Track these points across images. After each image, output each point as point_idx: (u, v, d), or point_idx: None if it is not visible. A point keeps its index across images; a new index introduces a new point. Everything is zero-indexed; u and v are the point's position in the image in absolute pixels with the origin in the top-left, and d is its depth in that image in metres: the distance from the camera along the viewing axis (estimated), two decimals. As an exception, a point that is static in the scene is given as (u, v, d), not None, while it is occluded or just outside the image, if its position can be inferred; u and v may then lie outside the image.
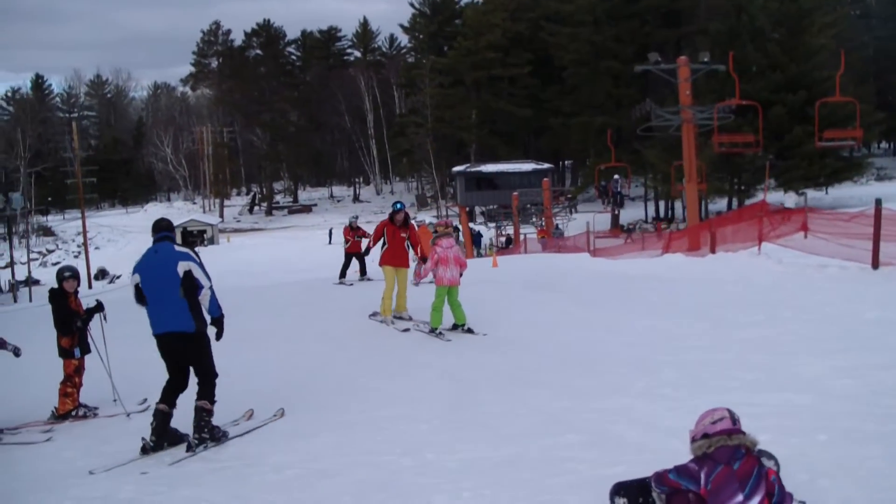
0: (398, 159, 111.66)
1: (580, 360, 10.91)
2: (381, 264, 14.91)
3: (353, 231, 22.74)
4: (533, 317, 14.57)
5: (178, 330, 8.53)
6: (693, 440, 5.54)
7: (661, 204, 77.37)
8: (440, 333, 13.42)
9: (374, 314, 15.13)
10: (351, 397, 10.00)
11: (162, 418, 8.65)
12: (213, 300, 8.65)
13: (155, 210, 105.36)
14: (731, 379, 9.23)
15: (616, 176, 46.09)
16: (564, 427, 8.03)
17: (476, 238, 64.60)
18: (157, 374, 8.94)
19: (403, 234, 14.89)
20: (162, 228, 8.90)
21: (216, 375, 8.76)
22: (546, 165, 74.47)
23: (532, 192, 60.72)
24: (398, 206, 15.14)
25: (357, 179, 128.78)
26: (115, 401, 10.53)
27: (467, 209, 73.63)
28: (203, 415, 8.60)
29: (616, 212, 54.91)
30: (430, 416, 8.88)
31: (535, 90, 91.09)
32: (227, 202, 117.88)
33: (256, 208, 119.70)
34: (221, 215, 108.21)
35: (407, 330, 14.04)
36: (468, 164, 78.84)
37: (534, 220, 61.55)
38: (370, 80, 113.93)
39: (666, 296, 15.79)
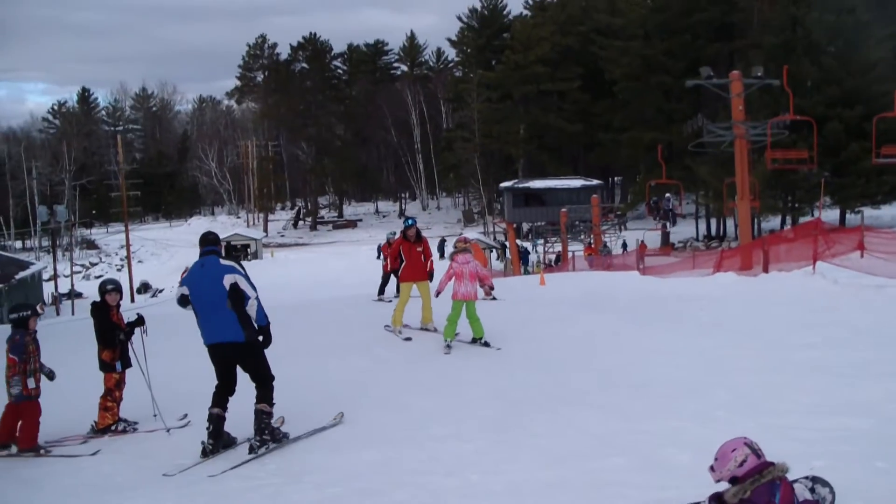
0: (445, 174, 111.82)
1: (629, 381, 10.83)
2: (401, 280, 15.62)
3: (390, 247, 22.87)
4: (581, 336, 14.53)
5: (228, 340, 8.91)
6: (719, 479, 5.46)
7: (713, 222, 76.73)
8: (448, 346, 13.89)
9: (387, 325, 15.82)
10: (394, 414, 10.01)
11: (217, 421, 9.05)
12: (260, 309, 9.02)
13: (199, 224, 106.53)
14: (786, 402, 9.11)
15: (667, 194, 45.84)
16: (613, 449, 7.97)
17: (523, 255, 64.66)
18: (198, 388, 9.07)
19: (419, 249, 15.47)
20: (209, 242, 9.35)
21: (273, 378, 9.16)
22: (595, 182, 74.52)
23: (581, 209, 60.68)
24: (409, 222, 15.73)
25: (403, 194, 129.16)
26: (155, 416, 10.65)
27: (515, 226, 73.66)
28: (263, 417, 9.00)
29: (667, 229, 54.58)
30: (476, 436, 8.87)
31: (584, 105, 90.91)
32: (271, 217, 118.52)
33: (301, 223, 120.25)
34: (265, 230, 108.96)
35: (409, 339, 14.77)
36: (516, 180, 79.05)
37: (582, 237, 61.38)
38: (417, 95, 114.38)
39: (717, 316, 15.65)
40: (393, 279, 22.97)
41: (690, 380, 10.62)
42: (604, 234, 58.23)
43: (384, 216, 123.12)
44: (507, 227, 72.62)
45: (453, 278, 14.03)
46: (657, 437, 8.20)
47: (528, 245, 68.18)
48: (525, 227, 78.60)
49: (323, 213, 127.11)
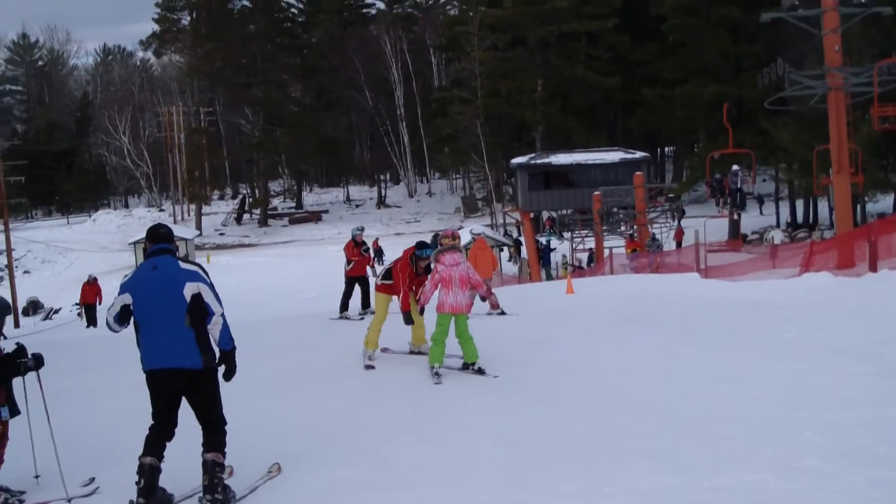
0: (438, 148, 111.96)
1: (687, 420, 10.84)
2: (378, 291, 16.20)
3: (357, 247, 23.81)
4: (622, 361, 14.56)
5: (181, 366, 8.94)
6: None
7: (799, 204, 76.71)
8: (436, 373, 14.12)
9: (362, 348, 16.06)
10: (376, 470, 9.97)
11: (151, 474, 8.97)
12: (225, 330, 9.14)
13: (107, 220, 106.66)
14: (905, 447, 9.11)
15: (735, 167, 45.77)
16: (667, 513, 7.96)
17: (544, 254, 64.74)
18: (105, 440, 8.97)
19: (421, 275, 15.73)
20: (161, 238, 9.36)
21: (225, 422, 9.26)
22: (639, 154, 74.29)
23: (620, 191, 60.61)
24: (426, 252, 15.64)
25: (383, 177, 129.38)
26: (36, 477, 10.34)
27: (532, 215, 73.63)
28: (216, 471, 9.02)
29: (736, 216, 54.55)
30: (486, 498, 8.85)
31: (623, 51, 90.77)
32: (206, 209, 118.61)
33: (246, 216, 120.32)
34: (199, 227, 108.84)
35: (371, 367, 15.25)
36: (532, 155, 78.85)
37: (622, 228, 61.35)
38: (398, 42, 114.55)
39: (807, 331, 15.66)
40: (364, 290, 23.76)
41: (771, 417, 10.62)
42: (651, 225, 58.20)
43: (358, 205, 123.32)
44: (521, 218, 72.70)
45: (439, 286, 14.20)
46: (726, 496, 8.19)
47: (549, 240, 68.28)
48: (545, 216, 78.66)
49: (276, 202, 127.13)
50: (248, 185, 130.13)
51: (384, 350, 15.97)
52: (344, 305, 23.20)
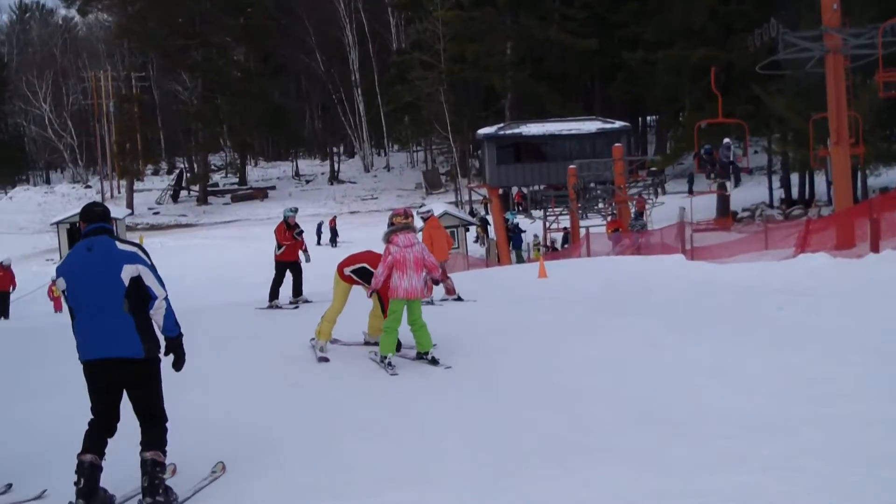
0: (397, 118, 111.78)
1: (673, 417, 10.88)
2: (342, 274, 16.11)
3: (289, 230, 24.23)
4: (600, 351, 14.64)
5: (120, 355, 8.95)
6: None
7: (794, 179, 77.04)
8: (389, 364, 14.32)
9: (312, 339, 16.21)
10: (330, 474, 9.93)
11: (91, 473, 8.90)
12: (170, 315, 9.20)
13: (26, 197, 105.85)
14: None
15: (727, 140, 45.92)
16: (652, 518, 7.99)
17: (515, 235, 64.87)
18: (22, 444, 8.92)
19: None
20: (97, 217, 9.36)
21: (167, 418, 9.32)
22: (619, 124, 74.23)
23: (598, 165, 60.68)
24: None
25: (336, 149, 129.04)
26: None
27: (500, 191, 73.60)
28: (157, 471, 9.00)
29: (726, 191, 54.72)
30: (449, 504, 8.85)
31: (601, 10, 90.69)
32: (138, 185, 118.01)
33: (183, 194, 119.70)
34: (130, 205, 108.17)
35: (325, 360, 15.31)
36: (501, 125, 78.67)
37: (600, 205, 61.50)
38: (353, 0, 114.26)
39: (803, 318, 15.73)
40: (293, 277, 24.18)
41: (765, 413, 10.66)
42: (632, 202, 58.33)
43: (308, 181, 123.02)
44: (489, 194, 72.62)
45: (392, 269, 14.35)
46: (717, 500, 8.20)
47: (516, 219, 68.34)
48: (515, 192, 78.65)
49: (217, 178, 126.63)
50: (186, 158, 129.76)
51: (334, 341, 16.10)
52: (273, 293, 23.50)
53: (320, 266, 25.02)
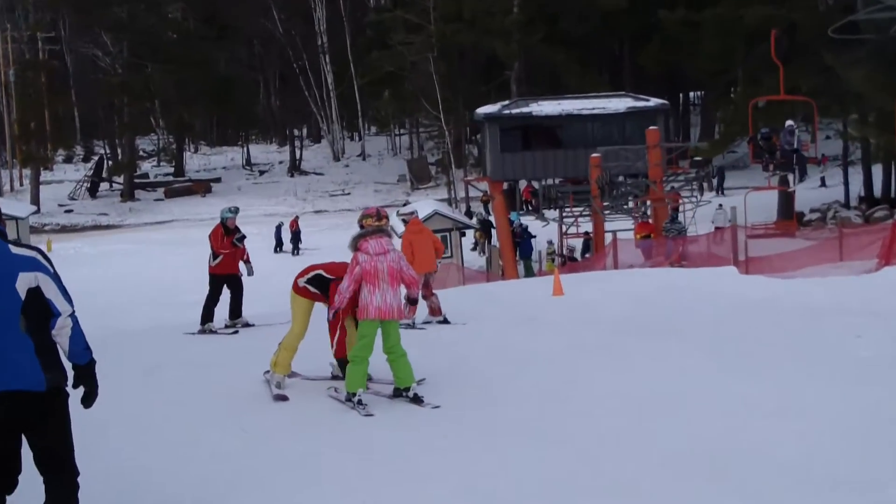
0: (375, 93, 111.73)
1: (713, 464, 10.93)
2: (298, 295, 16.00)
3: (228, 235, 23.81)
4: (625, 383, 14.71)
5: (15, 388, 8.61)
6: None
7: (878, 172, 76.97)
8: (359, 402, 14.23)
9: (267, 371, 16.22)
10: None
11: None
12: (78, 336, 8.83)
13: None
14: None
15: (790, 122, 45.94)
16: None
17: (523, 241, 64.75)
18: None
19: None
20: None
21: (78, 472, 8.99)
22: (654, 102, 74.25)
23: (628, 154, 60.58)
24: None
25: (298, 132, 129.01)
26: None
27: (505, 186, 73.59)
28: None
29: (790, 187, 54.78)
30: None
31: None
32: (46, 176, 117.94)
33: (104, 187, 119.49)
34: (36, 201, 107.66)
35: (283, 398, 15.21)
36: (506, 102, 78.73)
37: (630, 204, 61.36)
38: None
39: (888, 346, 15.75)
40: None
41: (839, 466, 10.65)
42: (672, 202, 58.21)
43: (263, 172, 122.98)
44: (490, 190, 72.49)
45: (362, 283, 14.25)
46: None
47: (529, 221, 68.24)
48: (523, 187, 78.59)
49: (147, 168, 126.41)
50: (107, 143, 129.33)
51: (293, 375, 16.06)
52: (207, 315, 23.25)
53: (278, 280, 24.79)
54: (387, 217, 15.25)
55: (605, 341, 17.68)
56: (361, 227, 14.87)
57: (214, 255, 23.58)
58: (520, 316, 21.98)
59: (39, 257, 8.83)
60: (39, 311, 8.65)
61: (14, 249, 8.75)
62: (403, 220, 23.76)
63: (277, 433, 13.62)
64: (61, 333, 8.70)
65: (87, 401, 8.95)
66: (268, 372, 16.00)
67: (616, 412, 13.40)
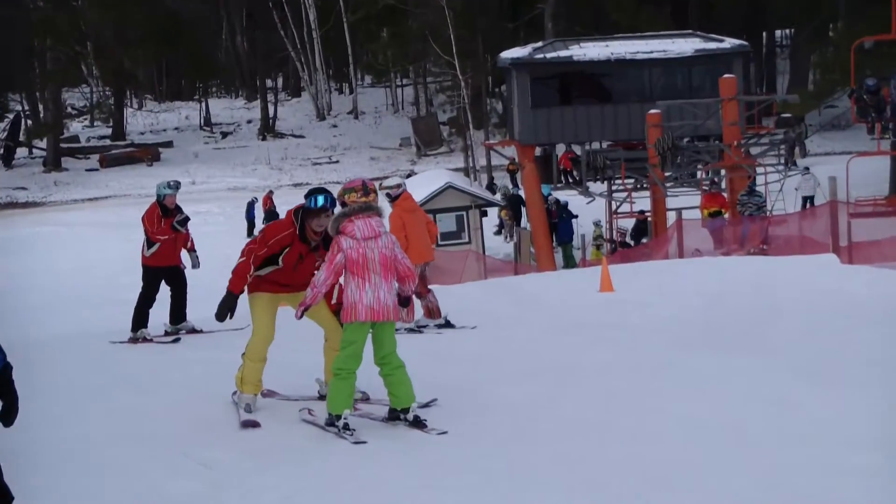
0: (369, 33, 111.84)
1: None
2: (253, 291, 15.56)
3: (167, 217, 23.41)
4: (691, 408, 14.69)
5: None
6: None
7: None
8: (345, 426, 14.06)
9: (235, 393, 16.02)
10: None
11: None
12: None
13: None
14: None
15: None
16: None
17: (562, 222, 64.60)
18: None
19: (319, 262, 15.31)
20: None
21: (12, 497, 9.15)
22: (729, 43, 74.37)
23: (696, 110, 60.54)
24: (319, 201, 15.13)
25: (271, 83, 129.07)
26: None
27: (538, 152, 73.55)
28: None
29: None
30: None
31: None
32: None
33: (22, 153, 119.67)
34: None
35: (253, 425, 14.93)
36: (539, 44, 78.91)
37: (698, 174, 61.11)
38: None
39: None
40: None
41: None
42: (751, 171, 57.92)
43: (227, 134, 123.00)
44: (519, 158, 72.49)
45: (344, 274, 14.05)
46: None
47: (569, 197, 68.12)
48: (561, 152, 78.42)
49: (77, 128, 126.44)
50: (26, 96, 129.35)
51: (268, 394, 15.92)
52: (139, 319, 23.06)
53: (213, 270, 24.54)
54: (375, 191, 14.77)
55: (666, 355, 17.63)
56: (343, 204, 14.46)
57: (150, 243, 23.27)
58: (557, 319, 21.97)
59: None
60: None
61: None
62: (389, 196, 22.78)
63: (246, 469, 13.51)
64: None
65: (7, 417, 8.90)
66: (235, 393, 15.75)
67: (681, 449, 13.24)
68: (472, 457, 13.27)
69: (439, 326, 20.73)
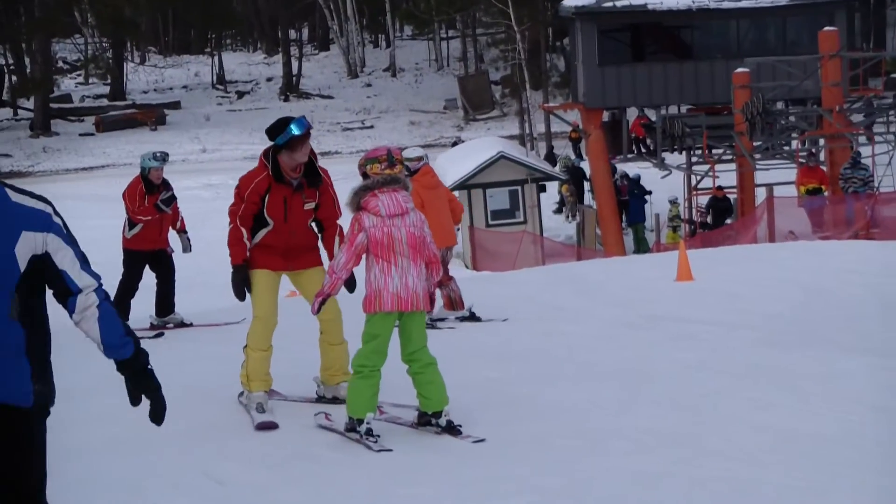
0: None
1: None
2: (256, 266, 15.52)
3: (151, 194, 23.39)
4: (784, 419, 14.55)
5: None
6: None
7: None
8: (368, 432, 13.85)
9: (241, 394, 16.05)
10: None
11: None
12: (112, 319, 8.66)
13: None
14: None
15: None
16: None
17: (634, 199, 64.61)
18: None
19: (309, 205, 15.58)
20: None
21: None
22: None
23: (791, 69, 60.46)
24: (295, 129, 15.00)
25: (295, 34, 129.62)
26: None
27: (606, 117, 73.59)
28: None
29: None
30: None
31: None
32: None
33: (5, 114, 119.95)
34: None
35: (270, 426, 14.92)
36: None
37: (793, 144, 60.92)
38: None
39: None
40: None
41: None
42: (855, 141, 57.72)
43: (243, 94, 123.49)
44: (583, 125, 72.54)
45: (365, 256, 13.84)
46: None
47: (643, 170, 68.03)
48: (632, 118, 78.44)
49: (69, 86, 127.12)
50: (10, 49, 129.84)
51: (274, 394, 15.81)
52: (120, 309, 22.53)
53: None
54: (402, 162, 14.73)
55: (756, 356, 17.55)
56: (365, 176, 14.22)
57: (131, 223, 23.25)
58: (626, 312, 21.90)
59: (52, 212, 8.47)
60: (42, 288, 8.53)
61: (15, 197, 8.36)
62: (410, 170, 21.96)
63: (262, 483, 13.43)
64: (85, 318, 8.49)
65: (157, 413, 8.85)
66: (242, 394, 15.71)
67: (782, 470, 12.95)
68: (523, 473, 12.99)
69: (461, 319, 20.58)
